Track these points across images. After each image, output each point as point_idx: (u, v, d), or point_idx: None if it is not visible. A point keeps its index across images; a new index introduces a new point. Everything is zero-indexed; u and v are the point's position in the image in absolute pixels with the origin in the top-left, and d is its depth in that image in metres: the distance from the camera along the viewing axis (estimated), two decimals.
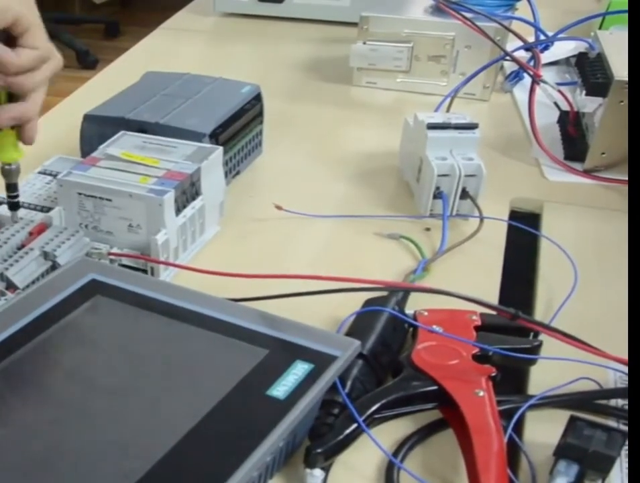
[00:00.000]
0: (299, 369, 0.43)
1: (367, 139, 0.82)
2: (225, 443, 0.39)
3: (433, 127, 0.66)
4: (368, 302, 0.52)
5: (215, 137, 0.67)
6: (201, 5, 1.22)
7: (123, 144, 0.62)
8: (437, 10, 0.90)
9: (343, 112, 0.90)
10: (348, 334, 0.48)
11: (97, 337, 0.48)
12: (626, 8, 0.83)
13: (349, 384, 0.45)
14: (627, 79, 0.69)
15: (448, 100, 0.81)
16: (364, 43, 0.92)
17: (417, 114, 0.69)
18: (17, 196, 0.56)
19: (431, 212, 0.66)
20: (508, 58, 0.86)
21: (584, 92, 0.75)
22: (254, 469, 0.37)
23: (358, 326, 0.50)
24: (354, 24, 0.93)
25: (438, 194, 0.65)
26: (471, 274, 0.59)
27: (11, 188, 0.55)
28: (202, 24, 1.17)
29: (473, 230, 0.63)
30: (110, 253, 0.56)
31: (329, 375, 0.42)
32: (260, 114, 0.75)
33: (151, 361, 0.46)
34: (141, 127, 0.66)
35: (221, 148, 0.63)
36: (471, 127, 0.67)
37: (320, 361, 0.43)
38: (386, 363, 0.48)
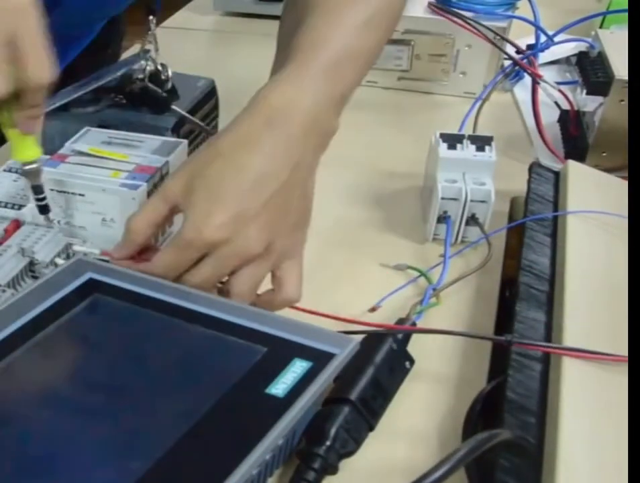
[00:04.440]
0: (298, 367, 0.43)
1: (368, 141, 0.82)
2: (224, 441, 0.39)
3: (446, 146, 0.63)
4: (366, 340, 0.48)
5: (176, 130, 0.67)
6: (201, 4, 1.22)
7: (89, 140, 0.62)
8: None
9: (343, 111, 0.89)
10: (337, 375, 0.44)
11: (96, 336, 0.48)
12: (627, 7, 0.83)
13: (332, 432, 0.42)
14: (627, 78, 0.69)
15: (474, 112, 0.78)
16: None
17: (437, 132, 0.65)
18: (44, 198, 0.54)
19: (435, 237, 0.63)
20: (506, 57, 0.86)
21: (585, 91, 0.74)
22: (254, 467, 0.37)
23: (349, 366, 0.44)
24: None
25: (445, 219, 0.62)
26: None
27: (38, 190, 0.53)
28: (202, 23, 1.17)
29: (480, 256, 0.60)
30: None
31: (328, 373, 0.42)
32: (216, 107, 0.76)
33: (150, 359, 0.46)
34: (103, 123, 0.67)
35: (185, 141, 0.63)
36: (487, 141, 0.63)
37: (318, 359, 0.43)
38: (377, 408, 0.45)
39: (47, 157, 0.60)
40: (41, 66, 0.46)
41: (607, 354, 0.45)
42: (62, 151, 0.61)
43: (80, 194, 0.57)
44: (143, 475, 0.37)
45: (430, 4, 0.90)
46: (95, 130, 0.64)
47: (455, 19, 0.86)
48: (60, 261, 0.54)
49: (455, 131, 0.68)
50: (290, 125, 0.49)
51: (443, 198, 0.61)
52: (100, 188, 0.56)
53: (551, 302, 0.52)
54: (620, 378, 0.43)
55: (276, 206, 0.48)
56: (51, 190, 0.57)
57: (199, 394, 0.42)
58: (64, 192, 0.57)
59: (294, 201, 0.50)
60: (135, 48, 0.99)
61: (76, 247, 0.55)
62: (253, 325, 0.46)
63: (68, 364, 0.45)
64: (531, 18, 0.86)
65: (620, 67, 0.71)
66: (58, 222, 0.58)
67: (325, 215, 0.68)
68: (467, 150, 0.63)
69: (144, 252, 0.50)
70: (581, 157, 0.74)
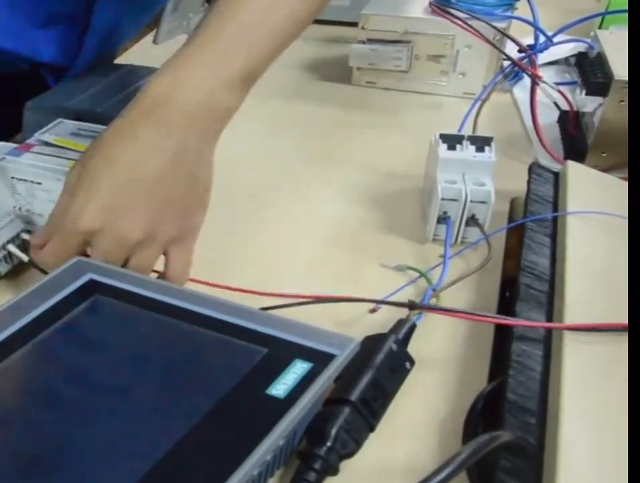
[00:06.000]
0: (298, 368, 0.43)
1: (368, 141, 0.82)
2: (225, 442, 0.39)
3: (446, 147, 0.63)
4: (366, 340, 0.48)
5: None
6: None
7: (58, 131, 0.64)
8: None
9: (342, 112, 0.90)
10: (338, 376, 0.44)
11: (96, 337, 0.48)
12: (626, 8, 0.83)
13: (333, 433, 0.41)
14: (627, 79, 0.69)
15: (473, 113, 0.77)
16: (364, 42, 0.92)
17: (436, 133, 0.65)
18: None
19: (435, 237, 0.63)
20: (505, 57, 0.86)
21: (584, 91, 0.74)
22: (255, 467, 0.37)
23: (350, 366, 0.44)
24: (354, 24, 0.93)
25: (444, 220, 0.62)
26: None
27: None
28: None
29: (479, 257, 0.60)
30: None
31: (328, 373, 0.42)
32: None
33: (150, 360, 0.46)
34: (79, 116, 0.68)
35: None
36: (487, 141, 0.63)
37: (319, 359, 0.43)
38: (378, 408, 0.45)
39: (15, 145, 0.61)
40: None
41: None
42: (29, 140, 0.62)
43: (37, 183, 0.58)
44: (144, 475, 0.37)
45: (430, 4, 0.90)
46: (68, 122, 0.65)
47: (455, 19, 0.86)
48: (11, 247, 0.56)
49: (455, 132, 0.68)
50: (168, 116, 0.51)
51: (442, 199, 0.61)
52: (56, 178, 0.57)
53: (551, 302, 0.52)
54: (621, 379, 0.43)
55: (156, 196, 0.51)
56: (12, 178, 0.58)
57: (200, 395, 0.42)
58: (24, 180, 0.58)
59: (178, 190, 0.52)
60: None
61: (24, 235, 0.57)
62: (253, 326, 0.46)
63: (69, 365, 0.45)
64: (530, 18, 0.86)
65: (619, 67, 0.71)
66: (19, 209, 0.59)
67: (325, 215, 0.68)
68: (466, 151, 0.63)
69: None
70: (580, 158, 0.74)
